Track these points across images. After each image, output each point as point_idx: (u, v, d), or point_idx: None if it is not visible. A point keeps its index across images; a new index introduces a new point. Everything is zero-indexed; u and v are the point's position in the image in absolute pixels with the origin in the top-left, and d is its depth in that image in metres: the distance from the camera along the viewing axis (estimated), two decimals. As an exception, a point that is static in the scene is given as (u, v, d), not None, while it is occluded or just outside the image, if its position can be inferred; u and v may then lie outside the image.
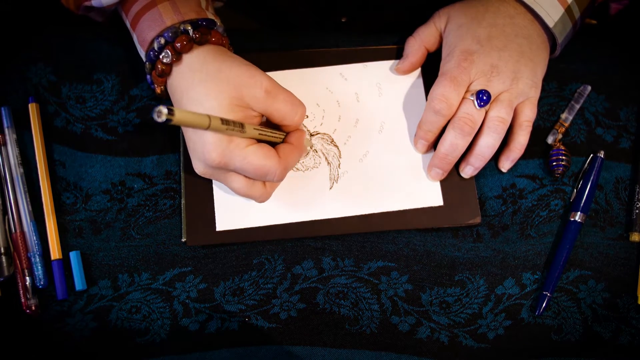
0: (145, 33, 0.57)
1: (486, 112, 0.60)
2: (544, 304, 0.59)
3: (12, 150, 0.62)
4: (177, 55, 0.56)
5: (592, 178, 0.62)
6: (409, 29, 0.65)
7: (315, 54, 0.65)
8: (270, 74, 0.63)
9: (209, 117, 0.48)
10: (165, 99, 0.61)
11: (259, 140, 0.55)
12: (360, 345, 0.59)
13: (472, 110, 0.59)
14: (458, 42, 0.60)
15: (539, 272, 0.61)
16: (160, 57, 0.56)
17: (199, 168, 0.56)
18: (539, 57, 0.62)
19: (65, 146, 0.63)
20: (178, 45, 0.55)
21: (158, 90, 0.59)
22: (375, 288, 0.60)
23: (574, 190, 0.63)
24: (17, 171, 0.61)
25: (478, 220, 0.61)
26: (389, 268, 0.61)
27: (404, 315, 0.60)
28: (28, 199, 0.61)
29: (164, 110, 0.44)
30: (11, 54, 0.66)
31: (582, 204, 0.62)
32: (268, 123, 0.57)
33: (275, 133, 0.57)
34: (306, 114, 0.63)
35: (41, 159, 0.62)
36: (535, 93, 0.61)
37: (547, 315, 0.60)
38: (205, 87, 0.53)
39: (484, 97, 0.58)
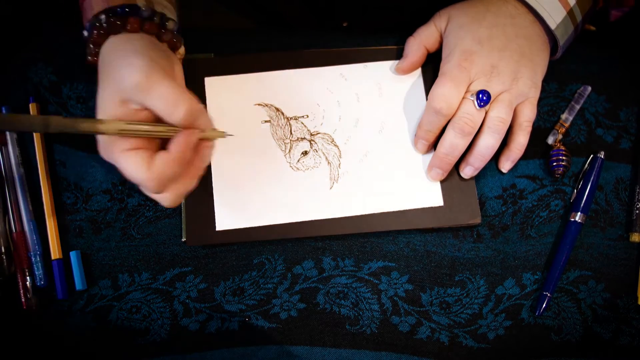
0: (84, 22, 0.57)
1: (486, 113, 0.60)
2: (544, 304, 0.59)
3: (12, 150, 0.62)
4: (97, 48, 0.55)
5: (592, 178, 0.62)
6: (409, 30, 0.65)
7: (315, 54, 0.65)
8: (270, 74, 0.64)
9: (46, 118, 0.46)
10: None
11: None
12: (361, 345, 0.59)
13: (472, 111, 0.59)
14: (458, 42, 0.60)
15: (539, 272, 0.61)
16: (87, 51, 0.56)
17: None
18: (539, 58, 0.62)
19: (65, 146, 0.63)
20: (93, 38, 0.55)
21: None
22: (376, 288, 0.60)
23: (574, 190, 0.63)
24: (18, 171, 0.61)
25: (478, 220, 0.61)
26: (389, 268, 0.61)
27: (404, 316, 0.60)
28: (28, 199, 0.61)
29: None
30: (11, 54, 0.66)
31: (582, 205, 0.62)
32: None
33: (158, 127, 0.50)
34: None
35: (41, 159, 0.62)
36: (535, 93, 0.61)
37: (547, 316, 0.60)
38: (101, 81, 0.53)
39: (484, 97, 0.58)
